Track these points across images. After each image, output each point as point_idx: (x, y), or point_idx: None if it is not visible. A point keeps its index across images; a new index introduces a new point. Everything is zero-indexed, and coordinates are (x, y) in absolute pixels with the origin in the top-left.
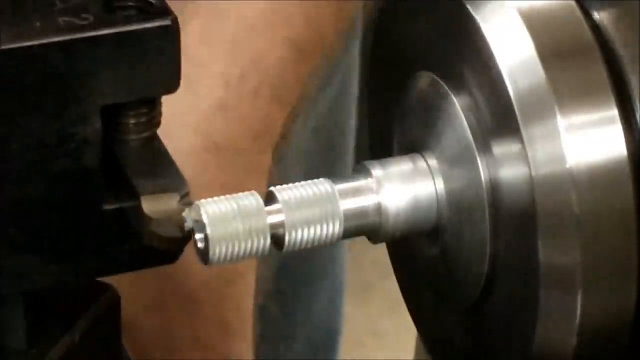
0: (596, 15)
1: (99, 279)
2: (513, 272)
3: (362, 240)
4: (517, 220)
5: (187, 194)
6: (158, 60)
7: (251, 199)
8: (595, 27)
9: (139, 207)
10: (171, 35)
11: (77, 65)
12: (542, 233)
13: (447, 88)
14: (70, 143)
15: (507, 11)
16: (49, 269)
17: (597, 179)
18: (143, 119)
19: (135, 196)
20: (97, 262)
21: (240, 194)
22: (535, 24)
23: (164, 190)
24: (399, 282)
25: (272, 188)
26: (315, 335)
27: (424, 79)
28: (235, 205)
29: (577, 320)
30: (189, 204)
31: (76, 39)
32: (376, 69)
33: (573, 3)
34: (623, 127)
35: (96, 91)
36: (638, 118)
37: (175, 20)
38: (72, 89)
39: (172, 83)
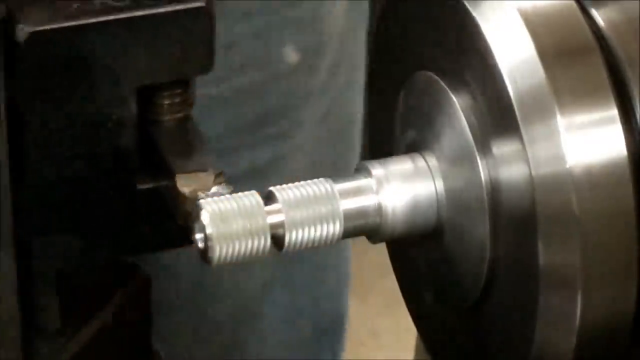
0: (596, 15)
1: (130, 260)
2: (513, 272)
3: (362, 240)
4: (517, 220)
5: (221, 173)
6: (192, 42)
7: (251, 199)
8: (595, 27)
9: (173, 186)
10: (205, 16)
11: (113, 47)
12: (542, 233)
13: (447, 88)
14: (106, 123)
15: (507, 11)
16: (84, 247)
17: (597, 179)
18: (177, 100)
19: (170, 175)
20: (132, 241)
21: (240, 193)
22: (535, 24)
23: (199, 169)
24: (399, 282)
25: (272, 188)
26: (321, 321)
27: (424, 79)
28: (235, 205)
29: (577, 321)
30: (223, 182)
31: (112, 21)
32: (376, 69)
33: (573, 3)
34: (623, 127)
35: (132, 72)
36: (638, 118)
37: (209, 2)
38: (108, 70)
39: (206, 64)
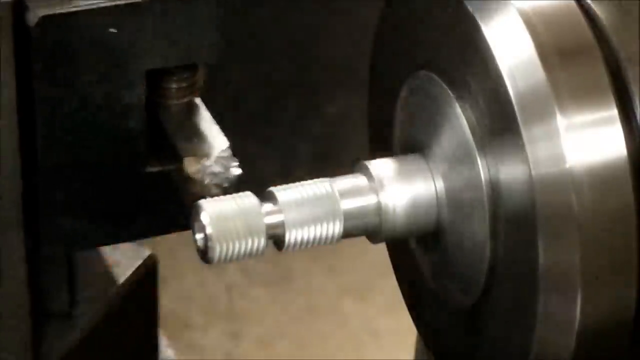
0: (596, 15)
1: (138, 242)
2: (513, 272)
3: (362, 240)
4: (517, 220)
5: (229, 156)
6: (201, 27)
7: (251, 199)
8: (595, 27)
9: (181, 169)
10: (215, 2)
11: (122, 31)
12: (542, 233)
13: (447, 88)
14: (116, 107)
15: (507, 11)
16: (94, 230)
17: (597, 179)
18: (185, 84)
19: (177, 159)
20: (141, 223)
21: (240, 193)
22: (535, 24)
23: (206, 152)
24: (399, 283)
25: (272, 188)
26: None
27: (424, 79)
28: (235, 206)
29: (577, 321)
30: (228, 160)
31: (122, 5)
32: (377, 69)
33: (573, 3)
34: (623, 127)
35: (141, 56)
36: (638, 118)
37: None
38: (118, 54)
39: (214, 49)
